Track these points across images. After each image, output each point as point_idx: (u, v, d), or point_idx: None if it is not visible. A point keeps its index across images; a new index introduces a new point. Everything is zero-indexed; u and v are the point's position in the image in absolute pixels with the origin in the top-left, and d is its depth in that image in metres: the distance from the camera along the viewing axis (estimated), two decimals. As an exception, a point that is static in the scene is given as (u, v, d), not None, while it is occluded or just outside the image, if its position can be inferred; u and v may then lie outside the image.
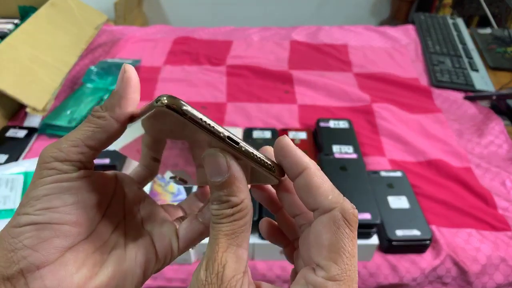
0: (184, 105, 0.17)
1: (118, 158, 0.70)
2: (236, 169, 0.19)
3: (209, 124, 0.18)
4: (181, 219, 0.26)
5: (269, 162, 0.20)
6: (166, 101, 0.17)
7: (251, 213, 0.20)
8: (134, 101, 0.20)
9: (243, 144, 0.19)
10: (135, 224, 0.24)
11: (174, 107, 0.17)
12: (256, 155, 0.20)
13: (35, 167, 0.20)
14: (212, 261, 0.18)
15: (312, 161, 0.20)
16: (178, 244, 0.24)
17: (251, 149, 0.20)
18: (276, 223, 0.24)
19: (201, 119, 0.18)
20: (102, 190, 0.22)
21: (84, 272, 0.20)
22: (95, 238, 0.21)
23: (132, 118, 0.20)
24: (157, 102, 0.17)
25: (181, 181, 0.25)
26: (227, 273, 0.18)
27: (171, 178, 0.25)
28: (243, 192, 0.19)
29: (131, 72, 0.20)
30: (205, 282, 0.18)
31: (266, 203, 0.24)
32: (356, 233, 0.18)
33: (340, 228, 0.18)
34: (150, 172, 0.26)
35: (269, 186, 0.23)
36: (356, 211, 0.19)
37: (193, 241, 0.24)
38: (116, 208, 0.23)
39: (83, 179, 0.20)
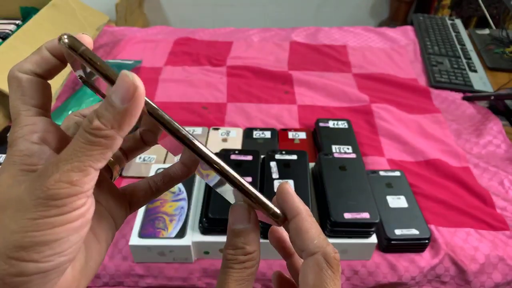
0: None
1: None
2: (256, 222, 0.22)
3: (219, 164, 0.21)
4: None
5: (274, 209, 0.22)
6: (67, 40, 0.18)
7: (258, 265, 0.22)
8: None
9: (249, 187, 0.21)
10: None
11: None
12: (263, 201, 0.21)
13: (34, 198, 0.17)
14: None
15: (306, 207, 0.22)
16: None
17: (259, 194, 0.21)
18: (285, 275, 0.26)
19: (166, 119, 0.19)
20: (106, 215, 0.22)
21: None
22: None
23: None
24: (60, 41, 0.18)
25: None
26: None
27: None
28: (257, 243, 0.21)
29: (142, 89, 0.17)
30: None
31: (279, 249, 0.26)
32: (338, 274, 0.20)
33: (323, 270, 0.20)
34: (136, 142, 0.25)
35: (284, 235, 0.26)
36: (337, 255, 0.21)
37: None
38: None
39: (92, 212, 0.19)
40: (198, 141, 0.20)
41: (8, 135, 0.20)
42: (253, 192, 0.21)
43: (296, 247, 0.21)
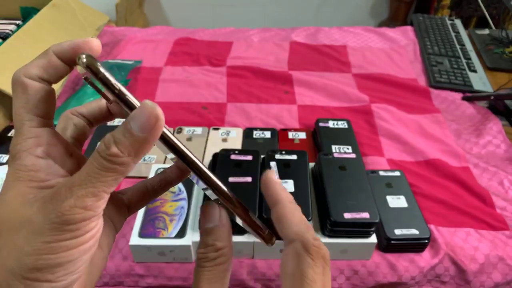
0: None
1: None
2: (226, 220, 0.22)
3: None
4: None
5: (260, 230, 0.22)
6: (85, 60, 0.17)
7: (230, 262, 0.22)
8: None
9: (221, 187, 0.21)
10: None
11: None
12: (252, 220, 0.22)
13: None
14: None
15: (288, 195, 0.22)
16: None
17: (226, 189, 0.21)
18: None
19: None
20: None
21: None
22: None
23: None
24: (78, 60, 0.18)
25: None
26: None
27: None
28: (227, 239, 0.21)
29: (163, 119, 0.18)
30: None
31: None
32: (318, 261, 0.20)
33: (301, 258, 0.20)
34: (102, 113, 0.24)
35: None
36: (318, 242, 0.20)
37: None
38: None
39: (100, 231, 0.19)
40: (182, 144, 0.20)
41: (10, 146, 0.19)
42: (221, 188, 0.21)
43: (279, 234, 0.22)
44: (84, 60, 0.18)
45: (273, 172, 0.23)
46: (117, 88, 0.18)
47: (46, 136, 0.19)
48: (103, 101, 0.23)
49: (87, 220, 0.17)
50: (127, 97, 0.18)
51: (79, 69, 0.19)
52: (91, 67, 0.18)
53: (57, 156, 0.19)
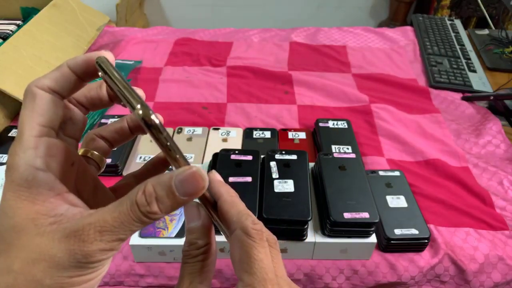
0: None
1: (120, 158, 0.70)
2: (206, 219, 0.22)
3: None
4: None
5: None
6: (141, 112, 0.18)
7: (214, 257, 0.23)
8: None
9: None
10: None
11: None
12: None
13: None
14: None
15: (229, 189, 0.23)
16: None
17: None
18: None
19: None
20: None
21: None
22: None
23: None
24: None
25: None
26: None
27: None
28: (208, 237, 0.22)
29: (207, 184, 0.19)
30: None
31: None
32: (262, 242, 0.20)
33: (244, 243, 0.20)
34: (124, 133, 0.25)
35: None
36: (257, 225, 0.21)
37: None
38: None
39: None
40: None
41: (8, 153, 0.19)
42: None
43: (226, 228, 0.23)
44: (140, 112, 0.18)
45: (214, 173, 0.23)
46: (168, 143, 0.18)
47: (44, 147, 0.19)
48: (124, 124, 0.25)
49: (107, 258, 0.18)
50: (177, 156, 0.19)
51: (100, 74, 0.20)
52: (145, 119, 0.18)
53: (56, 168, 0.19)
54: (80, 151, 0.24)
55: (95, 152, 0.24)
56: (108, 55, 0.20)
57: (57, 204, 0.18)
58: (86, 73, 0.20)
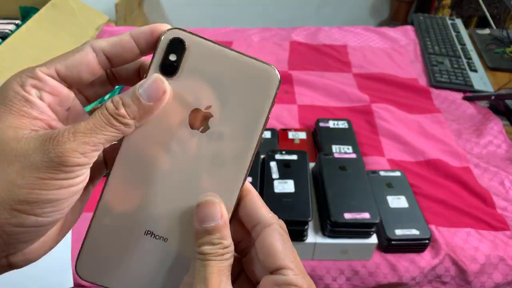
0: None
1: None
2: (226, 215, 0.22)
3: None
4: None
5: None
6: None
7: (233, 255, 0.23)
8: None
9: None
10: None
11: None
12: None
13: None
14: None
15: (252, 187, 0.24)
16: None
17: None
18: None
19: None
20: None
21: None
22: None
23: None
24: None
25: None
26: None
27: None
28: (230, 236, 0.22)
29: (168, 91, 0.20)
30: None
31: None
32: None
33: (284, 236, 0.22)
34: None
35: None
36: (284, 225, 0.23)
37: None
38: None
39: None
40: None
41: (10, 77, 0.20)
42: None
43: (249, 222, 0.23)
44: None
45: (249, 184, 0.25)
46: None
47: (50, 84, 0.20)
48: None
49: (81, 166, 0.19)
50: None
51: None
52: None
53: (52, 104, 0.20)
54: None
55: None
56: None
57: (41, 126, 0.19)
58: (149, 43, 0.21)
